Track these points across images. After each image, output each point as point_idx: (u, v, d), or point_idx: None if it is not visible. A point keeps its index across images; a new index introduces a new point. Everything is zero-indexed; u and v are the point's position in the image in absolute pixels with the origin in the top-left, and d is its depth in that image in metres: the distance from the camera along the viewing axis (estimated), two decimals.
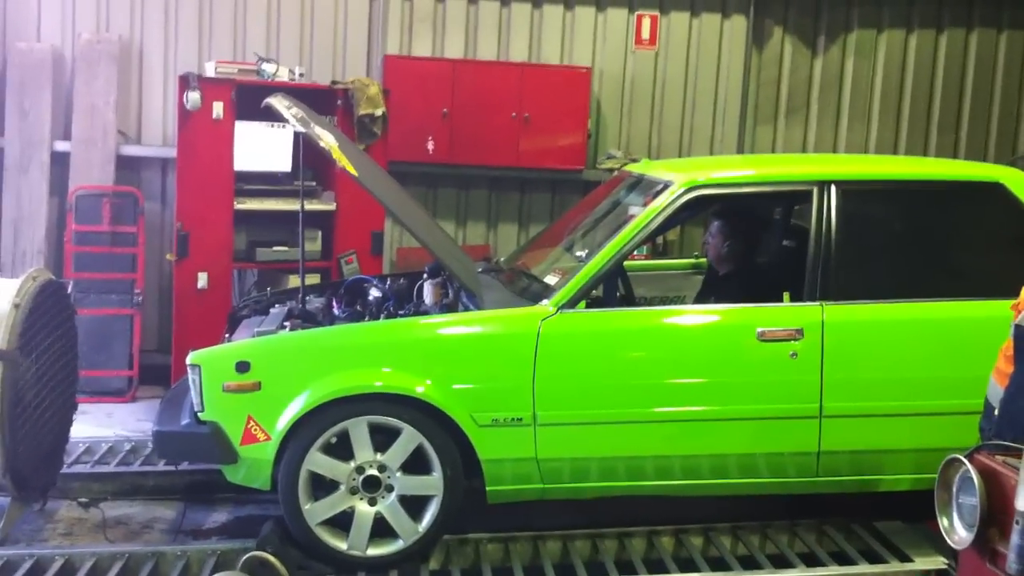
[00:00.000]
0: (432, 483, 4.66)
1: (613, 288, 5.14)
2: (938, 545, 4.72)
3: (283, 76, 7.30)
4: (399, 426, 4.60)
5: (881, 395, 4.78)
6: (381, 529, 4.67)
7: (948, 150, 9.18)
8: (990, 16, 9.10)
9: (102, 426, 6.80)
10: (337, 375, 4.60)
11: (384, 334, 4.78)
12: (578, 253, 5.25)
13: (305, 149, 6.03)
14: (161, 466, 5.81)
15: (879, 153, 9.02)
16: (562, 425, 4.68)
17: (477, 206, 8.64)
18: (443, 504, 4.66)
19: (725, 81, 8.83)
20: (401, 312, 5.15)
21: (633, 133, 8.79)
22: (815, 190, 4.95)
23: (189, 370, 4.68)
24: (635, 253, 5.31)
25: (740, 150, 8.85)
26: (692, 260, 6.51)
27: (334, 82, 7.59)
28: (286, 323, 5.06)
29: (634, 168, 5.98)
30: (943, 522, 3.29)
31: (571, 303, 4.71)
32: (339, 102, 7.36)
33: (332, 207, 7.36)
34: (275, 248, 7.32)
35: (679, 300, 6.10)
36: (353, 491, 4.64)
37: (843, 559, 4.86)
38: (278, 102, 5.16)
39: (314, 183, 7.43)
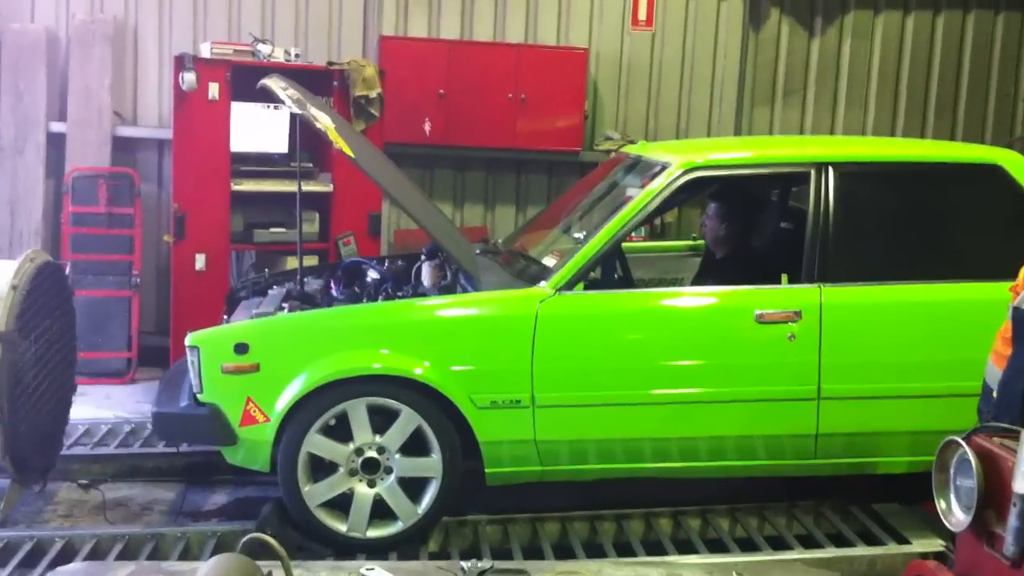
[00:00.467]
0: (431, 465, 4.67)
1: (611, 270, 5.14)
2: (935, 527, 4.73)
3: (279, 57, 7.27)
4: (398, 408, 4.61)
5: (879, 377, 4.79)
6: (380, 511, 4.68)
7: (945, 132, 9.17)
8: None
9: (101, 408, 6.80)
10: (335, 356, 4.60)
11: (382, 316, 4.78)
12: (576, 235, 5.25)
13: (302, 130, 6.01)
14: (160, 448, 5.82)
15: (876, 135, 9.02)
16: (560, 407, 4.69)
17: (474, 187, 8.63)
18: (442, 486, 4.67)
19: (722, 62, 8.81)
20: (399, 294, 5.15)
21: (630, 115, 8.77)
22: (813, 172, 4.95)
23: (188, 352, 4.69)
24: (633, 235, 5.31)
25: (737, 132, 8.84)
26: (690, 242, 6.52)
27: (330, 63, 7.56)
28: (284, 304, 5.05)
29: (631, 150, 5.97)
30: (941, 504, 3.30)
31: (569, 285, 4.71)
32: (335, 83, 7.33)
33: (329, 189, 7.35)
34: (272, 230, 7.31)
35: (677, 282, 6.11)
36: (352, 473, 4.65)
37: (841, 541, 4.88)
38: (274, 83, 5.15)
39: (311, 164, 7.41)
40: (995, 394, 3.62)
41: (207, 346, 4.64)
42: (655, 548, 4.81)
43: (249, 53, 7.21)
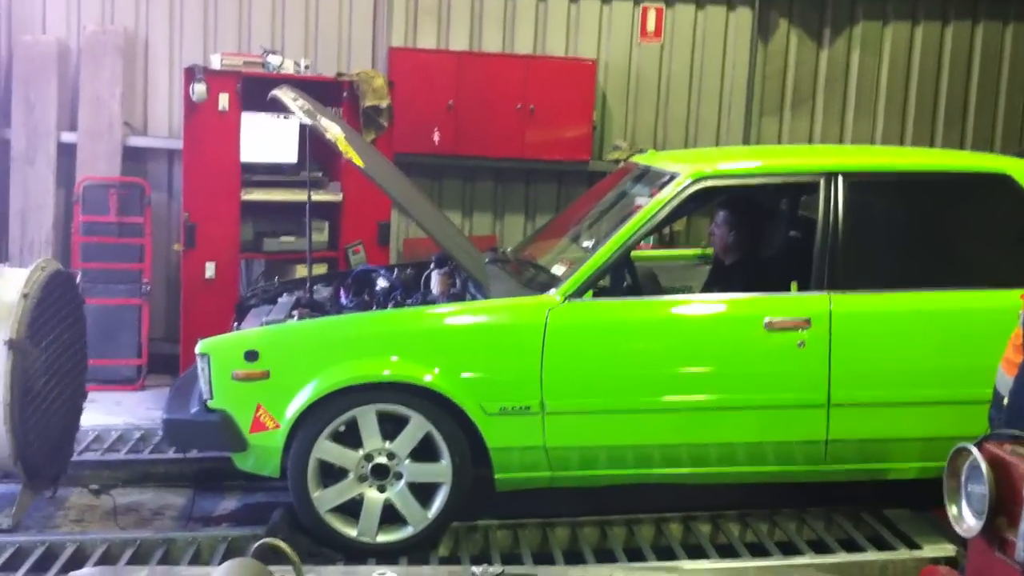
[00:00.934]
0: (441, 471, 4.68)
1: (620, 278, 5.15)
2: (946, 533, 4.72)
3: (288, 68, 7.31)
4: (407, 414, 4.63)
5: (889, 384, 4.80)
6: (390, 516, 4.69)
7: (955, 142, 9.17)
8: (996, 9, 9.08)
9: (112, 414, 6.82)
10: (345, 364, 4.62)
11: (392, 323, 4.79)
12: (585, 244, 5.25)
13: (311, 140, 6.03)
14: (171, 454, 5.84)
15: (885, 145, 9.01)
16: (570, 414, 4.69)
17: (483, 197, 8.65)
18: (452, 491, 4.68)
19: (731, 73, 8.83)
20: (408, 301, 5.17)
21: (639, 125, 8.79)
22: (822, 181, 4.96)
23: (198, 359, 4.71)
24: (642, 244, 5.33)
25: (746, 142, 8.85)
26: (699, 251, 6.52)
27: (339, 74, 7.60)
28: (294, 312, 5.08)
29: (640, 159, 5.98)
30: (952, 510, 3.29)
31: (578, 293, 4.73)
32: (344, 94, 7.37)
33: (339, 198, 7.38)
34: (282, 238, 7.35)
35: (686, 291, 6.10)
36: (362, 479, 4.66)
37: (852, 546, 4.87)
38: (284, 94, 5.17)
39: (320, 174, 7.44)
40: (1006, 401, 3.61)
41: (217, 353, 4.66)
42: (665, 553, 4.80)
43: (259, 64, 7.25)
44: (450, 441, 4.65)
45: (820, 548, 4.86)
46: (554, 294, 4.72)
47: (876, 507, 5.14)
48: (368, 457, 4.64)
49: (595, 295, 4.82)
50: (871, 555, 4.76)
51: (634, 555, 4.76)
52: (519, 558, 4.72)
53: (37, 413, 4.84)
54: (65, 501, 5.42)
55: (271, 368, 4.62)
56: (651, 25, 8.70)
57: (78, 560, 4.60)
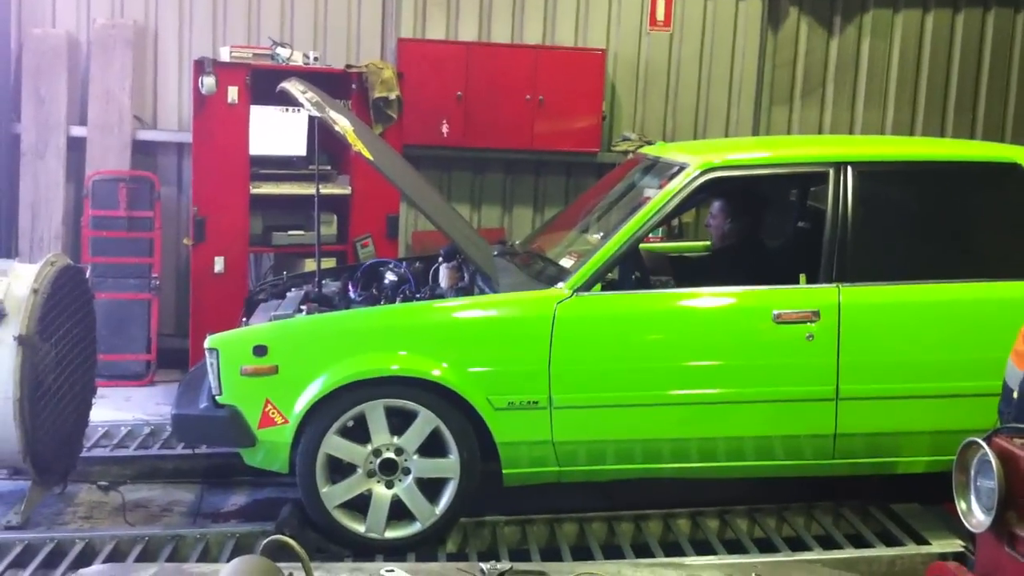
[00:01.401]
0: (449, 466, 4.67)
1: (629, 271, 5.13)
2: (955, 528, 4.71)
3: (297, 60, 7.30)
4: (415, 409, 4.62)
5: (898, 377, 4.77)
6: (398, 512, 4.69)
7: (965, 131, 9.12)
8: None
9: (121, 410, 6.83)
10: (354, 359, 4.61)
11: (400, 317, 4.78)
12: (593, 236, 5.25)
13: (320, 133, 6.02)
14: (180, 449, 5.85)
15: (896, 134, 8.98)
16: (578, 408, 4.68)
17: (492, 189, 8.63)
18: (460, 487, 4.68)
19: (740, 62, 8.79)
20: (417, 295, 5.16)
21: (648, 115, 8.76)
22: (831, 171, 4.93)
23: (207, 354, 4.71)
24: (650, 236, 5.31)
25: (755, 132, 8.82)
26: (708, 243, 6.49)
27: (348, 66, 7.58)
28: (303, 307, 5.08)
29: (649, 150, 5.96)
30: (961, 505, 3.28)
31: (586, 286, 4.71)
32: (353, 86, 7.36)
33: (347, 191, 7.37)
34: (291, 232, 7.34)
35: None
36: (370, 474, 4.66)
37: (860, 541, 4.86)
38: (293, 86, 5.17)
39: (329, 167, 7.43)
40: (1015, 395, 3.59)
41: (226, 348, 4.66)
42: (673, 549, 4.79)
43: (268, 57, 7.24)
44: (458, 436, 4.65)
45: (828, 544, 4.85)
46: (562, 287, 4.71)
47: (884, 502, 5.12)
48: (376, 452, 4.64)
49: (604, 288, 4.81)
50: (879, 551, 4.74)
51: (642, 550, 4.76)
52: (527, 554, 4.72)
53: (47, 409, 4.85)
54: (74, 497, 5.43)
55: (280, 363, 4.62)
56: (660, 14, 8.67)
57: (87, 557, 4.61)
